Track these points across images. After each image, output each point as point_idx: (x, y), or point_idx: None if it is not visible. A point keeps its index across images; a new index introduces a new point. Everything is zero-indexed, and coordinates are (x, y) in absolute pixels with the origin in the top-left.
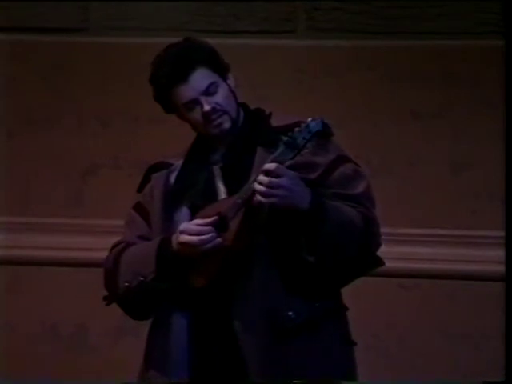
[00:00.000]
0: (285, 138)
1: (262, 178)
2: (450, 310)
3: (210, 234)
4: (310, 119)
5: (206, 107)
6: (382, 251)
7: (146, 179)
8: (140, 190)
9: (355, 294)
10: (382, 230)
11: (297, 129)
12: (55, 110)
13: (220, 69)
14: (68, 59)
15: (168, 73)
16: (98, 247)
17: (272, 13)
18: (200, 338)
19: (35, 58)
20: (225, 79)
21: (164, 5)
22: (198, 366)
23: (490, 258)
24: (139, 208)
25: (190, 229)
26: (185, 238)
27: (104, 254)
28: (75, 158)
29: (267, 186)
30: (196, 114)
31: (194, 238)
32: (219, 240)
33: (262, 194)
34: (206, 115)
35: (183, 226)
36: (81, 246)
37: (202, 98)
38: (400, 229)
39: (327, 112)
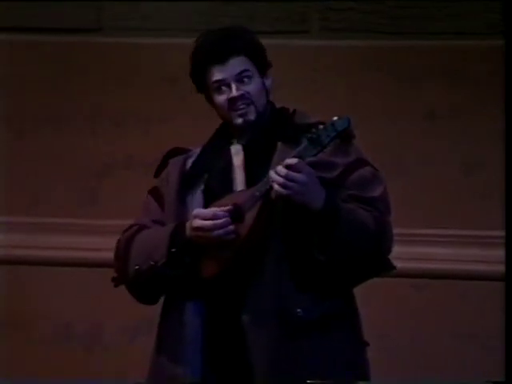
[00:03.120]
0: (309, 135)
1: (280, 168)
2: (462, 310)
3: (224, 219)
4: (335, 117)
5: (234, 92)
6: (394, 251)
7: (163, 164)
8: (157, 174)
9: (367, 294)
10: (394, 230)
11: (322, 126)
12: (67, 110)
13: (260, 64)
14: (80, 59)
15: (208, 52)
16: (111, 247)
17: (285, 13)
18: (211, 328)
19: (47, 58)
20: (262, 76)
21: (177, 5)
22: (209, 355)
23: (502, 259)
24: (155, 192)
25: (204, 213)
26: (198, 222)
27: None
28: (87, 158)
29: (284, 177)
30: (222, 97)
31: (208, 223)
32: (232, 227)
33: (278, 184)
34: (232, 100)
35: (197, 210)
36: (94, 247)
37: (233, 83)
38: (411, 229)
39: (339, 112)
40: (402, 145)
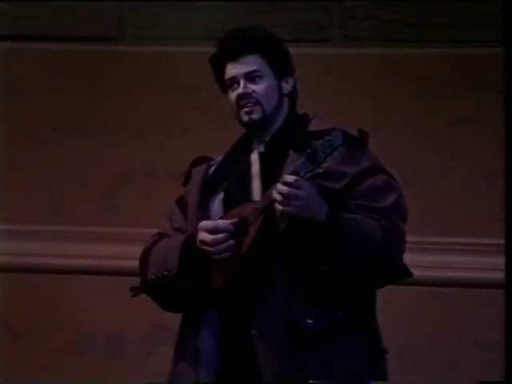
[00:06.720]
0: (307, 150)
1: (280, 187)
2: (484, 319)
3: (224, 234)
4: (333, 133)
5: (241, 89)
6: (412, 260)
7: (189, 174)
8: (185, 184)
9: (383, 303)
10: (414, 238)
11: (320, 141)
12: (88, 118)
13: (279, 67)
14: (102, 68)
15: (222, 48)
16: (131, 256)
17: (306, 21)
18: (225, 339)
19: (69, 67)
20: (279, 79)
21: (197, 14)
22: (224, 364)
23: None
24: (180, 201)
25: (206, 225)
26: (201, 235)
27: (137, 263)
28: (108, 166)
29: (285, 195)
30: (233, 94)
31: (210, 236)
32: (231, 242)
33: (280, 202)
34: (239, 97)
35: (202, 223)
36: (113, 255)
37: (242, 80)
38: (431, 237)
39: (360, 120)
40: (421, 153)
